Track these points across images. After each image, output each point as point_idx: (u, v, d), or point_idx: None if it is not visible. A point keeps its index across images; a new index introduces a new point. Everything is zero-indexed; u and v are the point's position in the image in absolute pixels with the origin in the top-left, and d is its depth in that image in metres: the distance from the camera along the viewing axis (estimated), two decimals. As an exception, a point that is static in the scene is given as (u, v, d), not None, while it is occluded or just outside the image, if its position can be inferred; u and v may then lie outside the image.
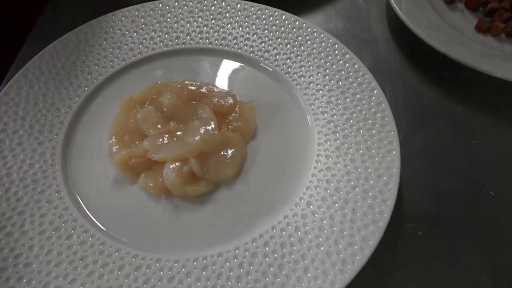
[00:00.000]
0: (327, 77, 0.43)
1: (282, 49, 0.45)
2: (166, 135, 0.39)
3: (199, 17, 0.48)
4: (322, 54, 0.44)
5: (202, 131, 0.38)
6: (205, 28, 0.48)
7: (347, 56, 0.43)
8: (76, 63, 0.45)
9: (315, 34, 0.46)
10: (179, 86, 0.42)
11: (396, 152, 0.36)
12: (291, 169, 0.38)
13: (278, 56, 0.45)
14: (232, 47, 0.47)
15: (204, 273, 0.31)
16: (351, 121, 0.39)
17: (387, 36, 0.52)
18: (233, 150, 0.38)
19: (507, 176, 0.39)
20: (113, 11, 0.49)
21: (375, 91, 0.40)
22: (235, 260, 0.32)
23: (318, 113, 0.40)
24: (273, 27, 0.47)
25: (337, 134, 0.39)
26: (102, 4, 0.53)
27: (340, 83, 0.42)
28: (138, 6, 0.49)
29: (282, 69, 0.44)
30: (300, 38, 0.46)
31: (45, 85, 0.43)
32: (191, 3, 0.49)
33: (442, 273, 0.34)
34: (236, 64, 0.46)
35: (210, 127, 0.39)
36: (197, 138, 0.37)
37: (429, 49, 0.45)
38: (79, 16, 0.50)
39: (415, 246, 0.35)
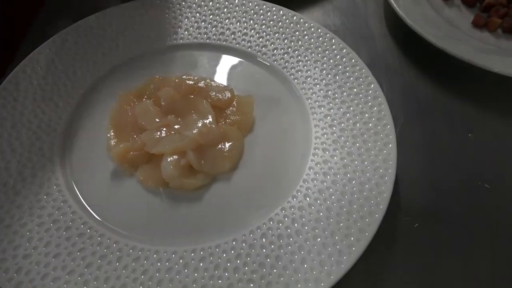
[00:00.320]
0: (324, 72, 0.43)
1: (279, 44, 0.46)
2: (164, 129, 0.39)
3: (197, 12, 0.49)
4: (319, 48, 0.44)
5: (199, 125, 0.38)
6: (203, 23, 0.48)
7: (344, 50, 0.44)
8: (75, 58, 0.45)
9: (313, 29, 0.46)
10: (177, 80, 0.42)
11: (392, 145, 0.36)
12: (288, 162, 0.38)
13: (275, 51, 0.45)
14: (230, 42, 0.47)
15: (201, 264, 0.32)
16: (348, 114, 0.39)
17: (384, 32, 0.52)
18: (230, 143, 0.38)
19: (503, 169, 0.40)
20: (112, 6, 0.49)
21: (372, 85, 0.40)
22: (233, 252, 0.32)
23: (315, 107, 0.41)
24: (271, 22, 0.47)
25: (334, 128, 0.39)
26: (101, 0, 0.53)
27: (337, 77, 0.42)
28: (137, 2, 0.49)
29: (279, 64, 0.44)
30: (297, 33, 0.46)
31: (44, 80, 0.43)
32: (189, -2, 0.50)
33: (438, 264, 0.34)
34: (234, 59, 0.46)
35: (207, 121, 0.39)
36: (195, 131, 0.38)
37: (426, 45, 0.45)
38: (78, 13, 0.50)
39: (411, 238, 0.36)
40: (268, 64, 0.45)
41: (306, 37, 0.46)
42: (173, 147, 0.37)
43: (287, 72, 0.44)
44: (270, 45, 0.46)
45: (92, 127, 0.42)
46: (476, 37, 0.49)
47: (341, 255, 0.31)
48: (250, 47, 0.46)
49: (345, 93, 0.41)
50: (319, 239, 0.32)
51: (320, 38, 0.45)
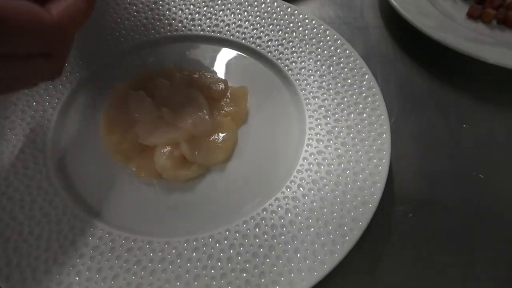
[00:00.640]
0: (318, 63, 0.43)
1: (274, 36, 0.45)
2: (158, 120, 0.39)
3: (191, 4, 0.48)
4: (314, 40, 0.44)
5: (193, 116, 0.38)
6: (197, 15, 0.48)
7: (338, 42, 0.43)
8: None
9: (307, 20, 0.46)
10: (171, 72, 0.42)
11: (386, 135, 0.36)
12: (282, 153, 0.38)
13: (270, 43, 0.45)
14: (224, 34, 0.46)
15: (194, 254, 0.31)
16: (342, 105, 0.39)
17: (379, 24, 0.52)
18: (224, 134, 0.38)
19: (496, 159, 0.40)
20: (105, -2, 0.49)
21: (366, 76, 0.40)
22: (226, 242, 0.32)
23: (310, 98, 0.40)
24: (265, 14, 0.47)
25: (328, 119, 0.39)
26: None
27: (332, 68, 0.42)
28: (130, -7, 0.49)
29: (274, 55, 0.44)
30: (292, 24, 0.46)
31: (36, 72, 0.43)
32: (183, -10, 0.49)
33: (432, 253, 0.34)
34: (228, 51, 0.46)
35: (201, 112, 0.39)
36: (188, 122, 0.37)
37: (421, 36, 0.45)
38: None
39: (406, 228, 0.36)
40: (263, 55, 0.45)
41: (301, 28, 0.45)
42: (166, 138, 0.37)
43: (281, 63, 0.44)
44: (265, 36, 0.46)
45: (86, 119, 0.41)
46: (471, 29, 0.49)
47: (334, 245, 0.31)
48: (244, 38, 0.46)
49: (339, 84, 0.41)
50: (312, 229, 0.32)
51: (315, 30, 0.45)
